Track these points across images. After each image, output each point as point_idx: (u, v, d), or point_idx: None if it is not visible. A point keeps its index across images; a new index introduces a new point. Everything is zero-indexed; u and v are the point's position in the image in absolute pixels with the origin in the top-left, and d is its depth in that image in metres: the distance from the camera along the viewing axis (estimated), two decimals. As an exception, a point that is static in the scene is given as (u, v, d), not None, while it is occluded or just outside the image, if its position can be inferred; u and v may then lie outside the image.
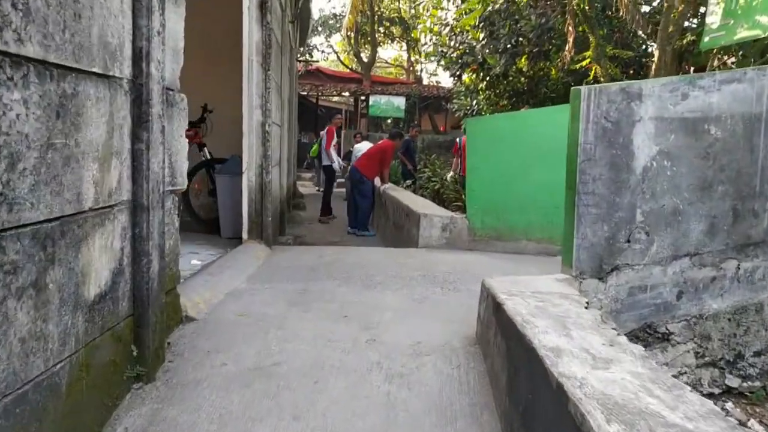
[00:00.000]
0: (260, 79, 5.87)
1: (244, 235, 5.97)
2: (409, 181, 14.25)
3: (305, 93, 23.82)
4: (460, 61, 11.01)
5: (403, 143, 15.59)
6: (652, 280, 3.65)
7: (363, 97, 24.27)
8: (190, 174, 7.31)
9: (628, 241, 3.57)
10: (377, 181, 10.81)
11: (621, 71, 9.64)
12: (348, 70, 28.69)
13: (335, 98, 27.73)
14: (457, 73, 11.40)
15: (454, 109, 19.23)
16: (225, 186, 6.70)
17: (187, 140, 3.35)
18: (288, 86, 11.51)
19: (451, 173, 11.83)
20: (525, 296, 3.07)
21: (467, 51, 11.22)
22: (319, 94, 24.43)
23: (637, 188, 3.55)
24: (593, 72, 8.51)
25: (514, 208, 6.52)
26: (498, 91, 12.96)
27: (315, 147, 23.73)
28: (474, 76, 12.11)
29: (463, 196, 10.30)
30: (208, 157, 7.26)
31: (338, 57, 32.10)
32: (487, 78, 12.29)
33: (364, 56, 27.83)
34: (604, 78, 8.28)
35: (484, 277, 3.97)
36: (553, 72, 13.12)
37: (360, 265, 5.57)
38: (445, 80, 34.56)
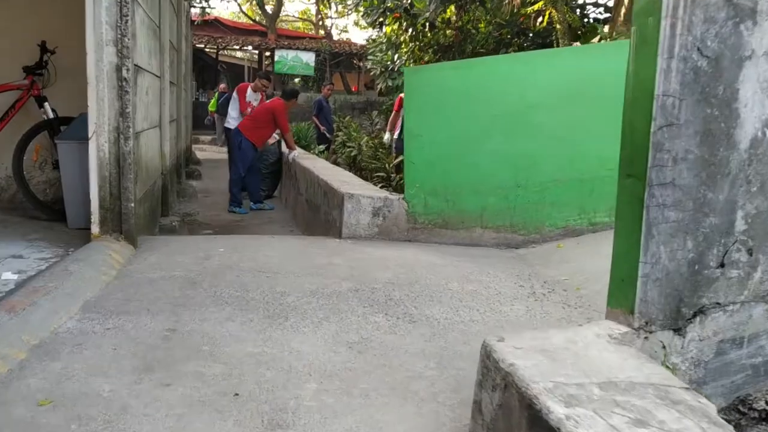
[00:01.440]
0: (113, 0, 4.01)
1: (94, 229, 4.15)
2: (322, 147, 12.53)
3: (202, 46, 21.42)
4: (382, 6, 9.33)
5: (315, 104, 13.77)
6: (751, 327, 2.23)
7: (268, 53, 22.11)
8: (26, 139, 5.34)
9: (722, 265, 2.12)
10: (284, 148, 9.13)
11: (581, 18, 8.29)
12: (251, 22, 26.27)
13: (238, 54, 25.37)
14: (378, 20, 9.70)
15: (368, 67, 17.53)
16: (70, 156, 4.79)
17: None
18: (176, 30, 9.47)
19: (387, 135, 10.15)
20: (596, 401, 1.53)
21: (391, -7, 9.56)
22: (219, 47, 22.04)
23: (739, 175, 2.08)
24: (545, 18, 7.08)
25: (466, 187, 4.99)
26: (422, 44, 11.37)
27: (213, 101, 21.45)
28: (397, 25, 10.44)
29: (391, 167, 8.74)
30: (51, 115, 5.30)
31: (240, 7, 29.46)
32: (412, 28, 10.66)
33: (269, 7, 25.51)
34: (561, 25, 6.86)
35: (439, 286, 2.50)
36: (482, 25, 11.67)
37: (263, 271, 3.88)
38: (357, 37, 32.63)
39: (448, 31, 11.29)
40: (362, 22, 27.87)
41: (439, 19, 10.03)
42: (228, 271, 3.86)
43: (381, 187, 8.79)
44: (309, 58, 21.04)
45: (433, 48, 11.67)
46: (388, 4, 9.31)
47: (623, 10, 6.30)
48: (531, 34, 9.80)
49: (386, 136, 10.15)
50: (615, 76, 5.13)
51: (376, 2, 9.32)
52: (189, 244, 4.72)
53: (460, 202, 4.99)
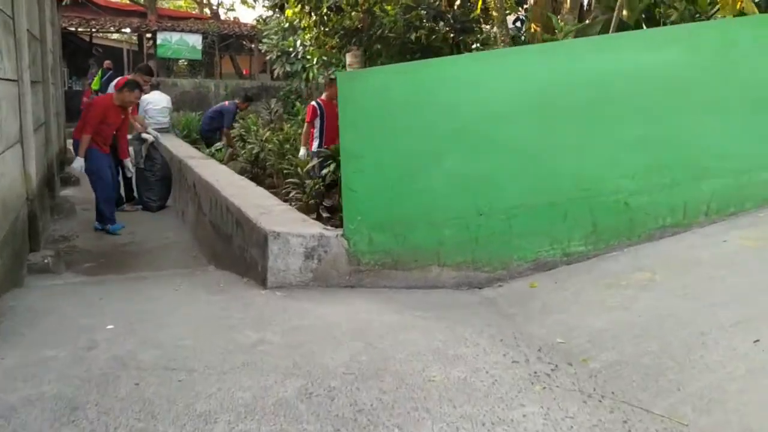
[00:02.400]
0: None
1: None
2: (219, 144, 11.24)
3: (73, 29, 19.25)
4: (286, -13, 8.19)
5: (227, 114, 12.27)
6: None
7: (149, 35, 20.21)
8: None
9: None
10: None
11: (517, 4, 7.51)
12: (128, 2, 24.03)
13: (115, 35, 23.15)
14: (279, 3, 8.54)
15: (264, 50, 16.24)
16: None
17: None
18: (37, 17, 7.93)
19: (303, 150, 9.07)
20: None
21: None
22: (93, 30, 19.90)
23: None
24: (479, 4, 6.24)
25: (419, 217, 4.08)
26: (327, 28, 10.29)
27: (96, 80, 19.31)
28: (299, 8, 9.31)
29: (309, 181, 7.71)
30: None
31: (114, -15, 26.94)
32: (315, 12, 9.56)
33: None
34: (498, 13, 6.04)
35: (417, 375, 2.67)
36: (389, 7, 10.72)
37: (172, 368, 2.81)
38: (246, 16, 30.88)
39: (353, 14, 10.26)
40: (250, 1, 26.25)
41: (345, 2, 8.98)
42: (123, 374, 2.75)
43: (294, 196, 7.78)
44: (195, 40, 19.36)
45: (339, 33, 10.63)
46: (292, -15, 8.18)
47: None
48: (451, 19, 8.95)
49: (301, 152, 9.05)
50: (590, 81, 4.39)
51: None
52: (65, 320, 3.53)
53: (412, 236, 4.08)
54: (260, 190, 5.80)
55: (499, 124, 4.06)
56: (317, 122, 9.05)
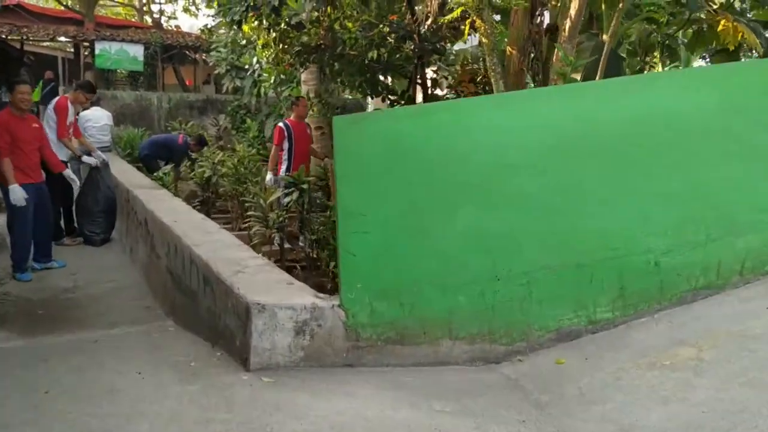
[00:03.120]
0: None
1: None
2: (167, 168, 10.40)
3: (3, 36, 17.96)
4: (245, 3, 7.48)
5: (175, 148, 11.26)
6: None
7: (87, 44, 19.05)
8: None
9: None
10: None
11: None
12: (63, 8, 22.69)
13: (49, 42, 21.79)
14: (237, 18, 7.86)
15: (212, 63, 15.40)
16: None
17: None
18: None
19: (269, 176, 8.41)
20: None
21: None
22: (24, 37, 18.61)
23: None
24: (466, 27, 5.72)
25: (428, 282, 3.51)
26: (286, 45, 9.64)
27: (36, 92, 18.02)
28: (257, 23, 8.64)
29: (273, 214, 7.07)
30: None
31: (47, -10, 25.55)
32: (274, 28, 8.90)
33: (84, -9, 22.15)
34: (488, 40, 5.53)
35: None
36: (350, 24, 10.17)
37: None
38: (186, 24, 29.94)
39: (312, 31, 9.63)
40: (193, 9, 25.27)
41: (306, 19, 8.37)
42: None
43: (257, 231, 7.11)
44: (137, 51, 18.30)
45: (297, 50, 9.99)
46: (250, 2, 7.50)
47: (568, 25, 5.08)
48: (423, 40, 8.44)
49: (268, 177, 8.38)
50: (619, 127, 3.89)
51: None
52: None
53: (420, 304, 3.50)
54: (228, 236, 5.12)
55: (519, 176, 3.53)
56: (285, 144, 8.41)
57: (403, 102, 11.30)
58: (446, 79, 10.22)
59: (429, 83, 10.47)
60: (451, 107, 3.53)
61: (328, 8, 8.41)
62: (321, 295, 3.58)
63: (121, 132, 15.93)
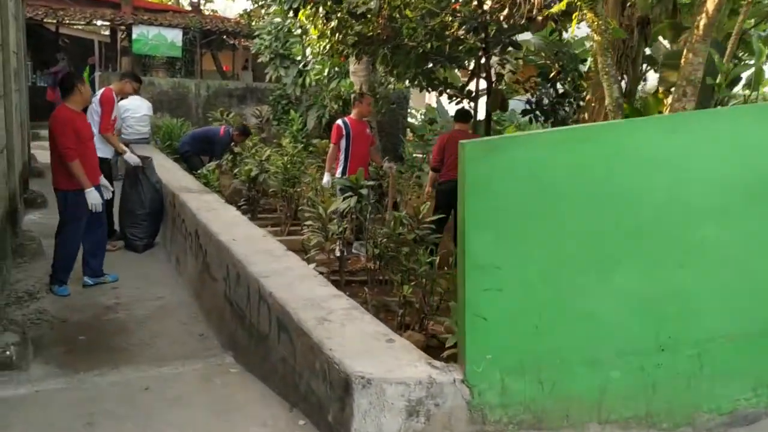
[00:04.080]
0: None
1: None
2: (211, 165, 9.71)
3: (39, 19, 17.47)
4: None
5: (218, 141, 10.59)
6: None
7: (123, 28, 18.49)
8: None
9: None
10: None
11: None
12: (99, -10, 22.15)
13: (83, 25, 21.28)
14: (295, 6, 7.12)
15: (254, 51, 14.70)
16: None
17: None
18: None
19: (327, 177, 7.78)
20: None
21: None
22: (60, 20, 18.10)
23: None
24: (573, 22, 4.89)
25: (575, 354, 2.76)
26: (343, 36, 8.88)
27: (84, 76, 17.62)
28: (314, 11, 7.90)
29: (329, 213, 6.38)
30: None
31: (85, -28, 24.98)
32: (332, 16, 8.14)
33: (121, -27, 21.57)
34: (600, 36, 4.71)
35: None
36: (408, 12, 9.37)
37: None
38: (229, 10, 29.33)
39: (372, 20, 8.85)
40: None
41: (366, 6, 7.59)
42: None
43: (315, 242, 6.40)
44: (175, 36, 17.68)
45: (354, 41, 9.22)
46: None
47: (702, 21, 4.23)
48: (495, 30, 7.61)
49: (325, 179, 7.71)
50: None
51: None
52: None
53: (564, 381, 2.75)
54: (297, 262, 4.41)
55: (698, 221, 2.75)
56: (343, 144, 7.70)
57: (463, 97, 10.51)
58: (513, 73, 9.39)
59: (494, 77, 9.65)
60: (610, 132, 2.75)
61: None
62: (436, 363, 2.84)
63: (158, 121, 15.39)
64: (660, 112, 5.56)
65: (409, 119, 15.89)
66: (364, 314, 3.43)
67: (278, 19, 9.16)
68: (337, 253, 6.45)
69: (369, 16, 8.32)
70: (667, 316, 2.79)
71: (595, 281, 2.73)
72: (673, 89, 5.55)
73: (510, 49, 9.46)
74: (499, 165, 2.58)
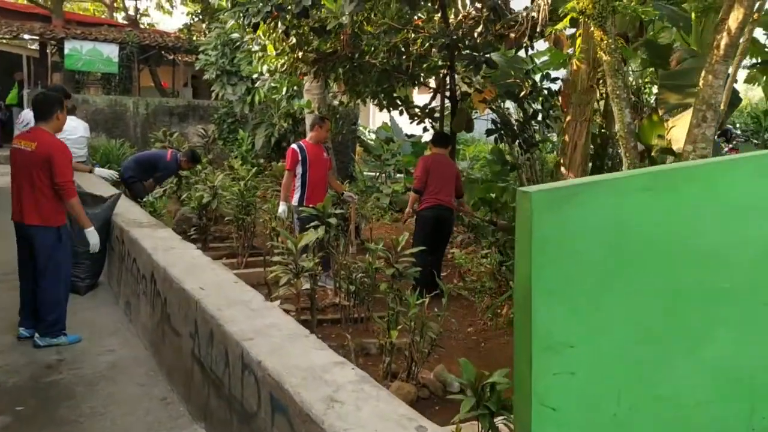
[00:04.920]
0: None
1: None
2: (158, 191, 8.94)
3: (-38, 33, 16.22)
4: (269, 3, 6.11)
5: (162, 165, 9.81)
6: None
7: (54, 42, 17.39)
8: None
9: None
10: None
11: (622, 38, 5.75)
12: (27, 2, 20.90)
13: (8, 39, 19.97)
14: (256, 21, 6.49)
15: (200, 67, 13.95)
16: None
17: None
18: None
19: (282, 206, 7.20)
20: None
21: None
22: (-16, 34, 16.88)
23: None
24: (578, 41, 4.38)
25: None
26: (302, 53, 8.31)
27: (13, 94, 16.51)
28: (274, 26, 7.29)
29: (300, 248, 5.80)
30: None
31: (10, -17, 23.58)
32: (294, 31, 7.57)
33: (51, -16, 20.40)
34: (609, 56, 4.29)
35: None
36: (369, 27, 8.90)
37: None
38: (165, 23, 28.25)
39: (333, 36, 8.32)
40: (167, 7, 23.67)
41: (329, 22, 7.03)
42: None
43: (285, 283, 5.80)
44: (111, 51, 16.69)
45: (314, 58, 8.67)
46: (275, 2, 6.15)
47: (724, 41, 3.84)
48: (469, 48, 7.17)
49: (281, 208, 7.12)
50: None
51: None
52: None
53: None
54: (283, 317, 3.78)
55: (798, 280, 2.30)
56: (299, 170, 7.13)
57: (425, 116, 10.08)
58: (479, 92, 9.00)
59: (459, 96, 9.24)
60: (703, 174, 2.29)
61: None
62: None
63: (94, 142, 14.41)
64: (660, 137, 5.22)
65: (361, 137, 15.38)
66: (379, 390, 2.86)
67: (235, 35, 8.49)
68: (305, 287, 5.85)
69: (333, 32, 7.78)
70: (762, 394, 2.32)
71: (681, 356, 2.23)
72: (673, 111, 5.22)
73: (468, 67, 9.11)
74: (575, 218, 2.06)
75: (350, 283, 6.10)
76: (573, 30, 8.43)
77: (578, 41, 6.70)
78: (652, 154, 4.98)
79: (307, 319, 6.07)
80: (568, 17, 4.36)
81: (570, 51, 10.87)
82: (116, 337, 5.36)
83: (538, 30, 7.64)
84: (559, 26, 4.60)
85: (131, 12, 21.38)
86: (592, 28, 4.22)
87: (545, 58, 12.58)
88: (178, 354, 4.31)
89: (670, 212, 2.17)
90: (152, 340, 4.96)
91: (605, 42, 4.19)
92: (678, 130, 4.85)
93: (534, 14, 7.99)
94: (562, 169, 6.94)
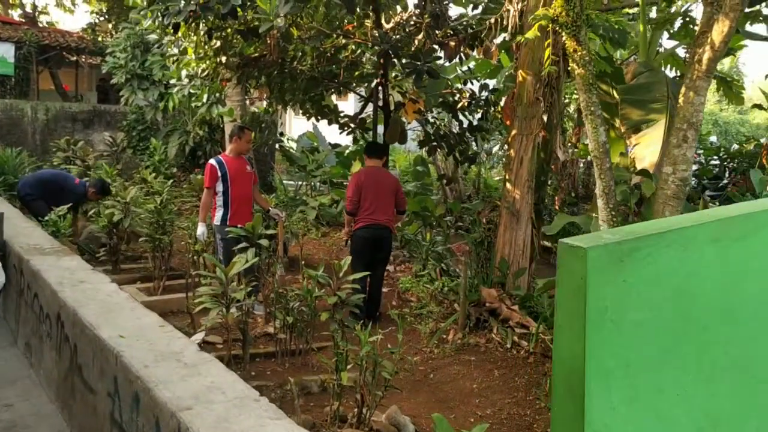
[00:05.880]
0: None
1: None
2: (62, 208, 7.98)
3: None
4: (194, 3, 5.43)
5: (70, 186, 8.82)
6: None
7: (-62, 40, 15.77)
8: None
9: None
10: None
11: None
12: None
13: None
14: (179, 21, 5.79)
15: (107, 70, 12.91)
16: None
17: None
18: None
19: (201, 228, 6.50)
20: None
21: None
22: None
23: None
24: (546, 51, 3.90)
25: None
26: (226, 58, 7.64)
27: None
28: (195, 27, 6.61)
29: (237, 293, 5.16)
30: None
31: None
32: (220, 32, 6.90)
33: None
34: (583, 69, 3.90)
35: None
36: (295, 31, 8.35)
37: None
38: (67, 22, 26.48)
39: (260, 40, 7.70)
40: (68, 5, 22.17)
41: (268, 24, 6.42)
42: None
43: (214, 317, 5.17)
44: (6, 51, 15.27)
45: (237, 63, 8.01)
46: (199, 1, 5.49)
47: (706, 56, 3.55)
48: (412, 57, 6.70)
49: (200, 230, 6.44)
50: None
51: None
52: None
53: None
54: (224, 373, 3.16)
55: None
56: (220, 187, 6.48)
57: (356, 126, 9.59)
58: (414, 101, 8.60)
59: (392, 105, 8.80)
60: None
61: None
62: None
63: (-14, 149, 13.08)
64: (622, 154, 4.94)
65: (283, 145, 14.70)
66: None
67: (152, 36, 7.71)
68: (235, 313, 5.22)
69: (260, 36, 7.16)
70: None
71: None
72: (634, 127, 4.95)
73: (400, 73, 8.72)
74: (638, 278, 1.61)
75: (287, 313, 5.51)
76: (501, 39, 8.17)
77: (524, 51, 6.40)
78: (628, 177, 4.69)
79: (238, 354, 5.46)
80: (536, 26, 3.97)
81: (496, 61, 10.68)
82: (15, 387, 4.56)
83: (477, 39, 7.32)
84: (529, 34, 4.21)
85: (28, 9, 19.80)
86: (564, 38, 3.83)
87: (469, 66, 12.37)
88: (92, 415, 3.61)
89: (742, 267, 1.75)
90: (59, 393, 4.21)
91: (579, 53, 3.82)
92: (642, 147, 4.56)
93: (472, 22, 7.69)
94: (508, 185, 6.61)
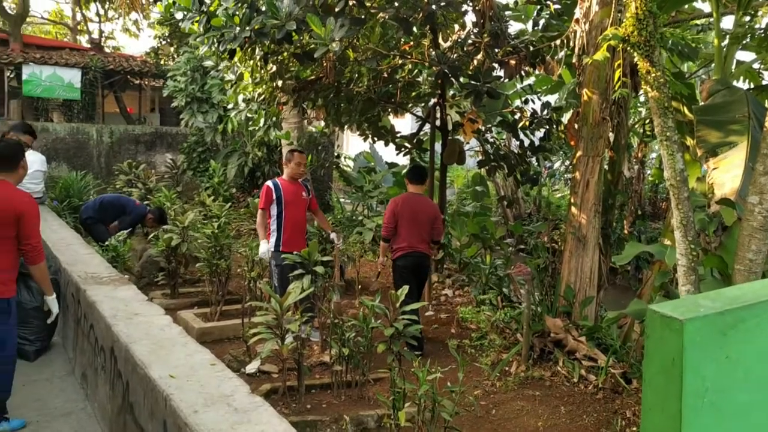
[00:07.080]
0: None
1: None
2: (123, 234, 8.07)
3: None
4: (248, 29, 5.37)
5: (131, 211, 9.04)
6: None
7: (12, 67, 16.42)
8: None
9: None
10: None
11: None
12: (-18, 25, 19.90)
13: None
14: (233, 47, 5.76)
15: (168, 93, 13.13)
16: None
17: None
18: None
19: (263, 246, 6.44)
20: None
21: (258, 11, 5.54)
22: (-65, 58, 15.84)
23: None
24: (617, 73, 3.64)
25: None
26: (282, 81, 7.59)
27: None
28: (251, 52, 6.57)
29: (293, 324, 5.03)
30: None
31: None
32: (275, 57, 6.85)
33: (10, 6, 19.51)
34: (657, 92, 3.64)
35: None
36: (350, 53, 8.27)
37: None
38: (131, 47, 27.40)
39: (317, 63, 7.61)
40: (134, 30, 22.86)
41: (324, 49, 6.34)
42: None
43: (268, 344, 5.04)
44: (73, 76, 15.78)
45: (293, 86, 7.95)
46: (254, 26, 5.43)
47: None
48: (472, 78, 6.51)
49: (263, 248, 6.35)
50: None
51: (236, 21, 5.30)
52: None
53: None
54: (278, 422, 3.01)
55: None
56: (274, 210, 6.39)
57: (413, 147, 9.42)
58: (473, 121, 8.36)
59: (450, 126, 8.60)
60: None
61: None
62: None
63: (53, 172, 13.48)
64: (699, 179, 4.61)
65: (341, 165, 14.66)
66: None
67: (209, 62, 7.74)
68: (290, 344, 5.06)
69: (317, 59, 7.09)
70: None
71: None
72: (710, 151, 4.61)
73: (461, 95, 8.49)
74: (745, 354, 1.37)
75: (342, 344, 5.34)
76: (562, 53, 7.87)
77: (589, 69, 6.11)
78: (707, 206, 4.36)
79: (293, 385, 5.32)
80: (604, 46, 3.71)
81: (557, 76, 10.35)
82: (69, 420, 4.52)
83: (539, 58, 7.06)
84: (598, 56, 3.95)
85: (95, 35, 20.49)
86: (636, 59, 3.56)
87: (529, 81, 12.04)
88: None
89: None
90: (112, 425, 4.13)
91: (653, 75, 3.54)
92: (721, 172, 4.22)
93: (533, 39, 7.42)
94: (573, 209, 6.30)
